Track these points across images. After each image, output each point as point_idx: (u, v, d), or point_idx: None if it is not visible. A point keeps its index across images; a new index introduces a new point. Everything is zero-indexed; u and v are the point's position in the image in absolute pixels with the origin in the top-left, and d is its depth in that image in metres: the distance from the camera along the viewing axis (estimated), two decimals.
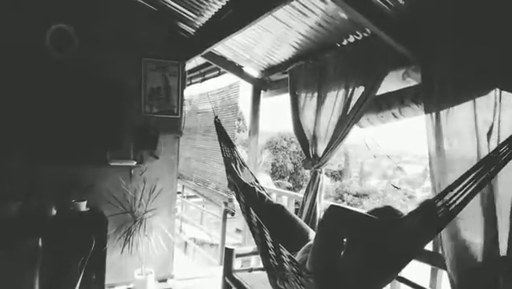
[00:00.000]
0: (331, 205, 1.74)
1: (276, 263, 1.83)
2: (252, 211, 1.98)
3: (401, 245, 1.41)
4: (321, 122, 2.82)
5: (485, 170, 1.18)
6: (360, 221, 1.63)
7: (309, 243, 2.02)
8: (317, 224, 2.81)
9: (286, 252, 1.69)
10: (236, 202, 4.29)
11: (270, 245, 1.84)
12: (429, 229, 1.34)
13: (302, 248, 2.04)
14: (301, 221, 2.53)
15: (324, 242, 1.69)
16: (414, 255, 1.53)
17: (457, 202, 1.22)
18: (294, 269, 1.67)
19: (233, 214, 4.57)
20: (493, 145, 1.55)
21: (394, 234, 1.44)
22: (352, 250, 1.60)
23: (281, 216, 2.43)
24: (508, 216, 1.50)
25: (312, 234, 2.36)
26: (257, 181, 2.63)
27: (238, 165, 2.52)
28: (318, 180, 2.88)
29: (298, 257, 1.95)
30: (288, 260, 1.69)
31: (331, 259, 1.64)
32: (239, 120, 15.96)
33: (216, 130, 2.61)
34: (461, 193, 1.21)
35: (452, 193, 1.23)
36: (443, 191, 1.26)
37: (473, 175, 1.20)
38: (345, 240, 1.66)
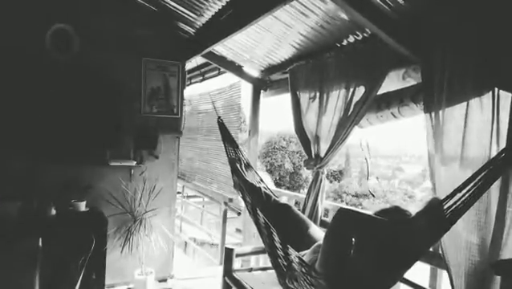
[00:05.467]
0: (340, 209, 1.75)
1: (285, 263, 1.84)
2: (259, 211, 1.96)
3: (410, 244, 1.42)
4: (323, 122, 2.82)
5: (489, 173, 1.21)
6: (370, 223, 1.63)
7: (318, 243, 2.01)
8: (319, 223, 2.81)
9: (294, 253, 1.70)
10: (241, 202, 4.29)
11: (278, 245, 1.84)
12: (437, 229, 1.36)
13: (311, 248, 2.04)
14: (308, 220, 2.52)
15: (334, 245, 1.70)
16: (422, 254, 1.54)
17: (464, 203, 1.24)
18: (303, 269, 1.68)
19: (239, 214, 4.56)
20: (494, 145, 1.56)
21: (403, 234, 1.45)
22: (362, 251, 1.61)
23: (288, 216, 2.42)
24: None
25: (318, 232, 2.36)
26: (262, 181, 2.62)
27: (243, 165, 2.51)
28: (321, 180, 2.88)
29: (307, 257, 1.95)
30: (297, 260, 1.69)
31: (341, 261, 1.64)
32: (241, 119, 15.81)
33: (219, 130, 2.59)
34: (468, 194, 1.23)
35: (460, 194, 1.25)
36: (452, 192, 1.28)
37: (479, 177, 1.22)
38: (353, 240, 1.67)
